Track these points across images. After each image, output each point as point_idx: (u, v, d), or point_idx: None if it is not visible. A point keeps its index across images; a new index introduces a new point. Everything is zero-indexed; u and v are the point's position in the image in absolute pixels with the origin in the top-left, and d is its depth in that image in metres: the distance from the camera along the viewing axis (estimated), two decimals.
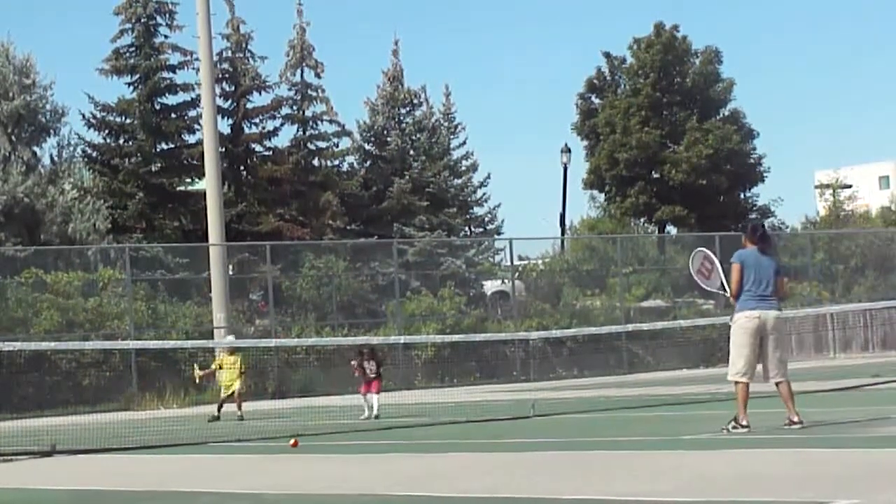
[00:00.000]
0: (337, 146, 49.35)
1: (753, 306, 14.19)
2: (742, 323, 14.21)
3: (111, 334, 33.32)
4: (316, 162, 48.87)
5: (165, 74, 45.65)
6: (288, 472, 13.31)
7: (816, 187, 68.13)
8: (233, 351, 24.86)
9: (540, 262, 45.10)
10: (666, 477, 10.72)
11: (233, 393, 24.23)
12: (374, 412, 21.83)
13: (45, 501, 12.37)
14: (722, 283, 15.18)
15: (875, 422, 15.10)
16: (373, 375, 22.31)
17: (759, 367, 14.42)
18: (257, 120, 48.14)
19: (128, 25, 45.30)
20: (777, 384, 14.40)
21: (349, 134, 49.78)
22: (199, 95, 41.29)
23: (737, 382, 14.32)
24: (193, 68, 44.38)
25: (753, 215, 54.37)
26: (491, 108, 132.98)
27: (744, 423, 14.16)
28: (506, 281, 42.29)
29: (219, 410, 24.30)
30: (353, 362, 23.07)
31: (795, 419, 14.27)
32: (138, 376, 32.66)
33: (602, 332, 32.95)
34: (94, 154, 45.53)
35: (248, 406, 24.80)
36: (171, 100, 45.96)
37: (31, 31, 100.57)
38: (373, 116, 50.92)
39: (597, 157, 53.29)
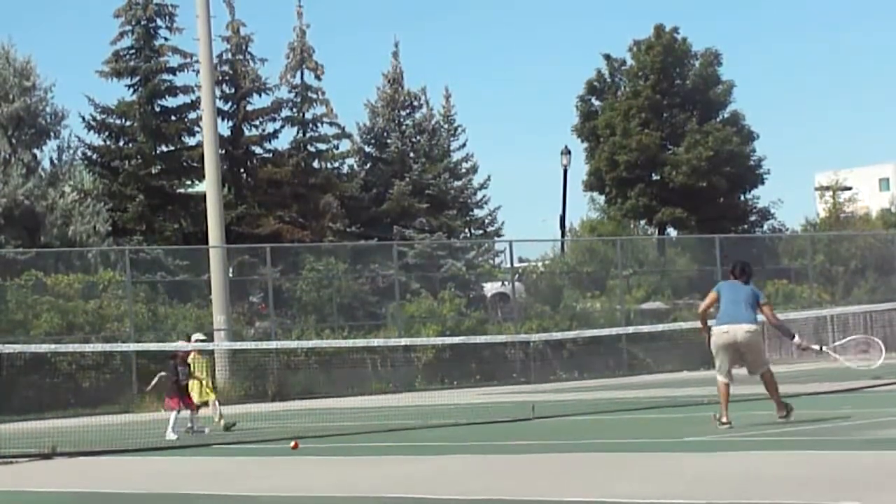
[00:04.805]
0: (337, 148, 49.39)
1: (723, 321, 15.61)
2: (715, 339, 15.66)
3: (111, 336, 33.28)
4: (316, 164, 48.88)
5: (165, 77, 45.68)
6: (288, 474, 13.31)
7: (816, 189, 67.98)
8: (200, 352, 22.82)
9: (540, 263, 45.07)
10: (667, 478, 10.73)
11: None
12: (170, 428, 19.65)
13: (45, 503, 12.37)
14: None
15: (875, 424, 15.12)
16: (184, 383, 20.50)
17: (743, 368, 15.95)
18: (257, 122, 48.16)
19: (128, 28, 45.32)
20: (759, 375, 15.71)
21: (349, 136, 49.82)
22: (199, 98, 41.29)
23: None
24: (193, 70, 44.42)
25: (753, 217, 54.39)
26: (491, 110, 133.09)
27: (723, 420, 15.15)
28: (506, 283, 42.25)
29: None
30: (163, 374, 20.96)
31: (783, 413, 15.59)
32: (138, 378, 32.59)
33: (602, 334, 32.92)
34: (95, 156, 45.55)
35: (247, 408, 24.75)
36: (171, 102, 46.04)
37: (31, 33, 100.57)
38: (373, 118, 50.94)
39: (597, 158, 53.26)
